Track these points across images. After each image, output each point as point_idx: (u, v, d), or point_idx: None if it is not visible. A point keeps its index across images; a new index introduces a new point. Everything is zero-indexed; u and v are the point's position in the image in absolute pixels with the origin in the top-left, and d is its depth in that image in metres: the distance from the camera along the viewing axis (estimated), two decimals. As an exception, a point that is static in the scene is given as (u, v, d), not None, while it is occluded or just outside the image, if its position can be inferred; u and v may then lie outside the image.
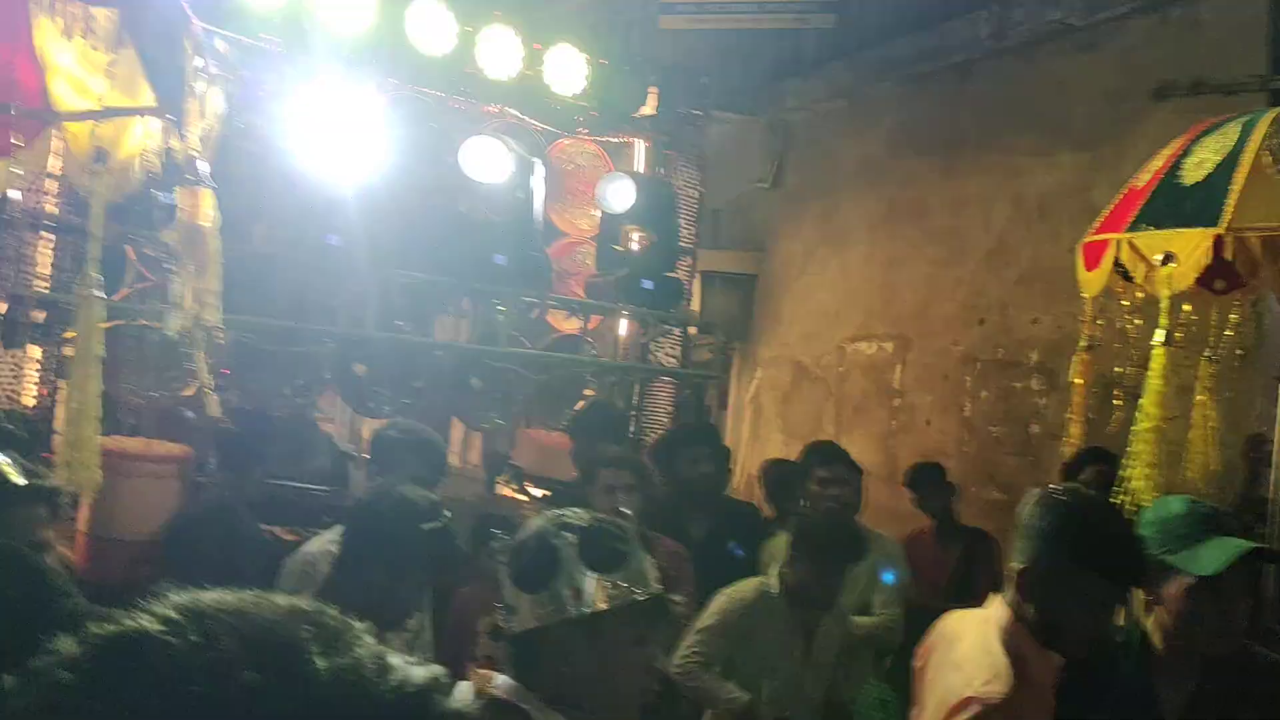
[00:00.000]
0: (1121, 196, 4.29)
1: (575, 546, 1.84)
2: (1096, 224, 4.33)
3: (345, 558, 2.68)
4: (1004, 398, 6.86)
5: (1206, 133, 3.99)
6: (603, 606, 1.80)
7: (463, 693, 1.85)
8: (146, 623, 0.68)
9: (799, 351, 8.33)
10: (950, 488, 6.06)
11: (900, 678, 4.98)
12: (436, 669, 0.73)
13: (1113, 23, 6.42)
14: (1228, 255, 3.64)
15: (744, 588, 4.12)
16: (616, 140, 6.37)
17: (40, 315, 4.30)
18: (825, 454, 5.05)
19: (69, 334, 4.59)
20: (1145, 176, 4.15)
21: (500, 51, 5.59)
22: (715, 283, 8.40)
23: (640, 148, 6.42)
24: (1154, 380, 3.91)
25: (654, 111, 6.22)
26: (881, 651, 4.88)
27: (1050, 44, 6.75)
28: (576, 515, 1.93)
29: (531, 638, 1.85)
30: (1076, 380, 4.49)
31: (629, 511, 4.01)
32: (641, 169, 6.37)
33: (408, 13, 5.30)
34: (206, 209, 3.12)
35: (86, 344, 2.93)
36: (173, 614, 0.69)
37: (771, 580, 4.10)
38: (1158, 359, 3.76)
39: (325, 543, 3.35)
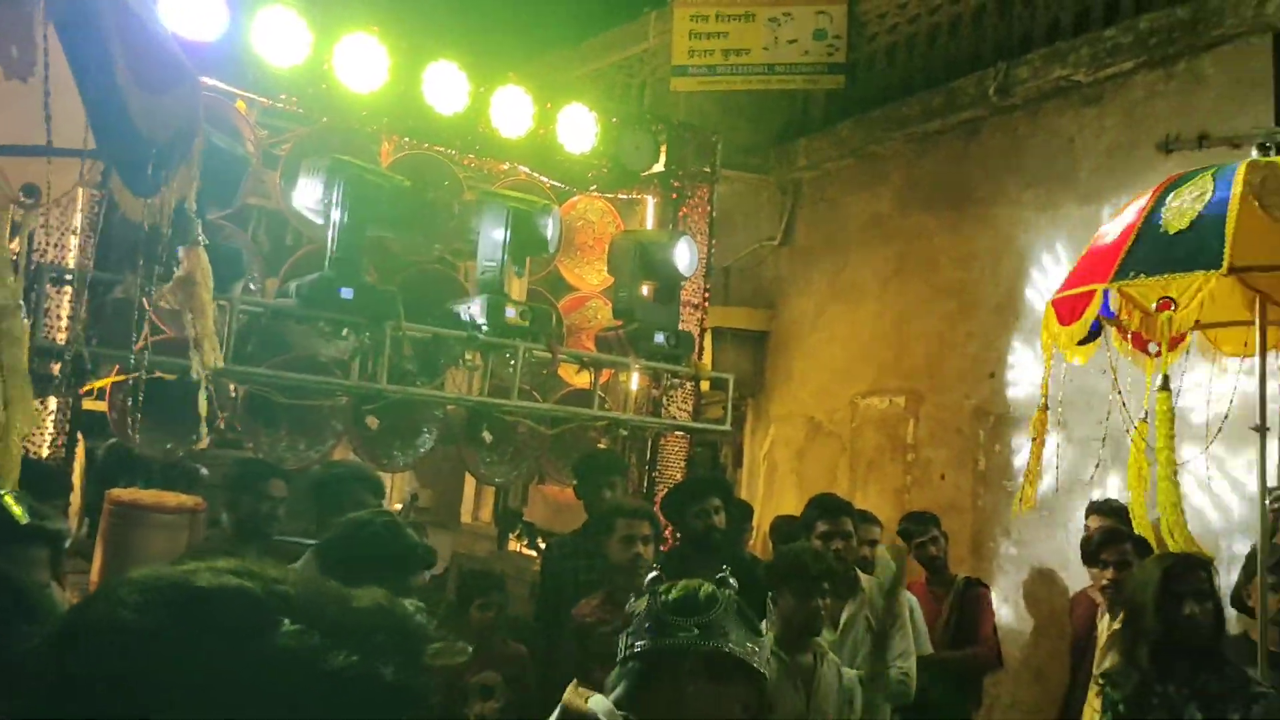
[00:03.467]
0: (1088, 251, 4.36)
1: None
2: (1066, 280, 4.41)
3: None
4: (1017, 451, 6.83)
5: (1175, 185, 4.12)
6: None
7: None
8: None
9: (812, 408, 8.33)
10: (943, 537, 6.03)
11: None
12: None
13: (1118, 78, 6.50)
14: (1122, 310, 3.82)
15: None
16: (626, 197, 6.44)
17: (56, 367, 4.35)
18: (826, 507, 5.02)
19: (86, 387, 4.66)
20: (1116, 230, 4.21)
21: (512, 111, 5.69)
22: (727, 339, 8.44)
23: (651, 205, 6.50)
24: (1163, 426, 3.94)
25: (664, 169, 6.30)
26: (898, 706, 4.83)
27: (1056, 99, 6.84)
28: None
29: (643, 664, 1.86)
30: (1035, 441, 4.52)
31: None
32: (651, 226, 6.44)
33: (424, 74, 5.42)
34: (201, 263, 3.17)
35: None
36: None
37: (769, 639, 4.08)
38: (1162, 403, 3.79)
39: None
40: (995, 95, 7.05)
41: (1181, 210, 3.92)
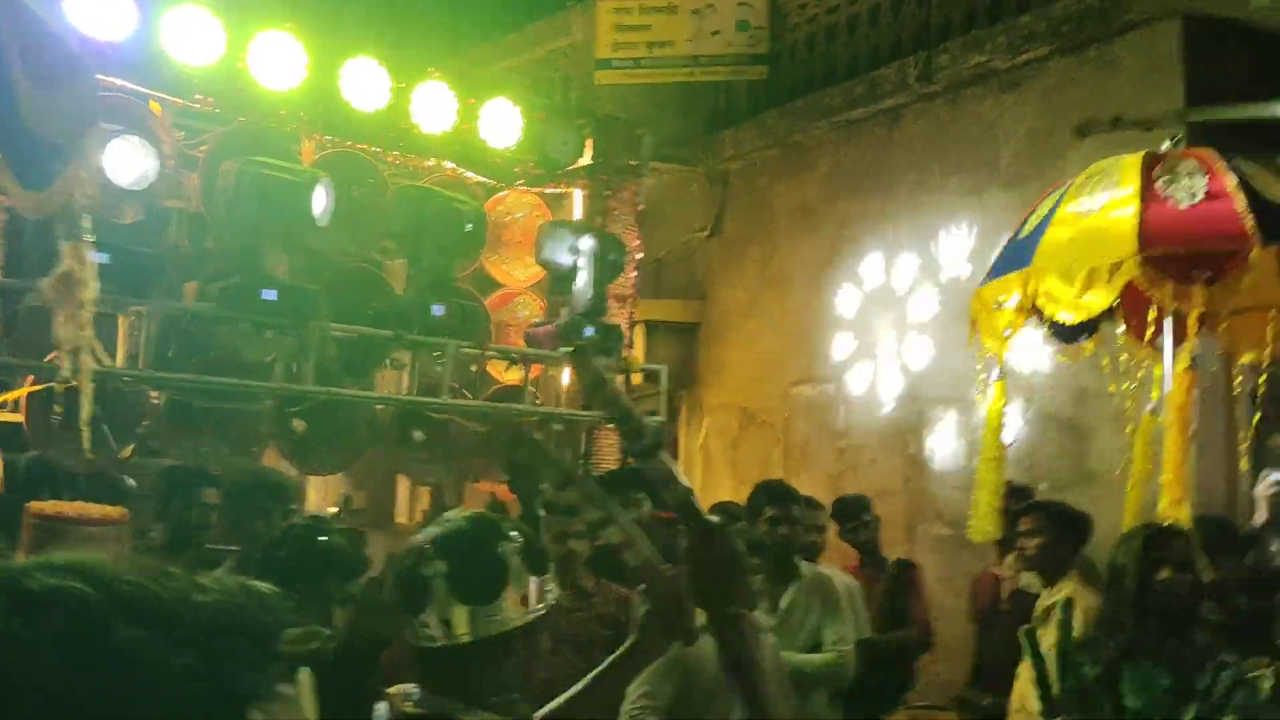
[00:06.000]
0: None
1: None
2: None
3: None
4: (946, 435, 6.93)
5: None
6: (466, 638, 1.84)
7: (380, 714, 1.85)
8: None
9: (745, 397, 8.38)
10: (874, 520, 6.09)
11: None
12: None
13: (1034, 64, 6.61)
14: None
15: None
16: (554, 191, 6.43)
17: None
18: (773, 493, 5.04)
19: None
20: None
21: (435, 107, 5.64)
22: (659, 332, 8.45)
23: (578, 198, 6.49)
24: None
25: (590, 162, 6.29)
26: (835, 689, 4.88)
27: (976, 86, 6.93)
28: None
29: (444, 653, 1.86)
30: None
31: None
32: (579, 219, 6.44)
33: (343, 71, 5.35)
34: (83, 261, 3.10)
35: None
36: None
37: (701, 617, 4.09)
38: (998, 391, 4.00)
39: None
40: (917, 83, 7.13)
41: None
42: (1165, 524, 4.04)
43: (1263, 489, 5.54)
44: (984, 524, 4.56)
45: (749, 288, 8.47)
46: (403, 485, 6.61)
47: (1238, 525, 5.38)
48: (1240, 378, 5.40)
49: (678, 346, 8.61)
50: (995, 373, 4.45)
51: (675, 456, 8.89)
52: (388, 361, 5.30)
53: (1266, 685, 3.89)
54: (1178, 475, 4.11)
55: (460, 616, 1.85)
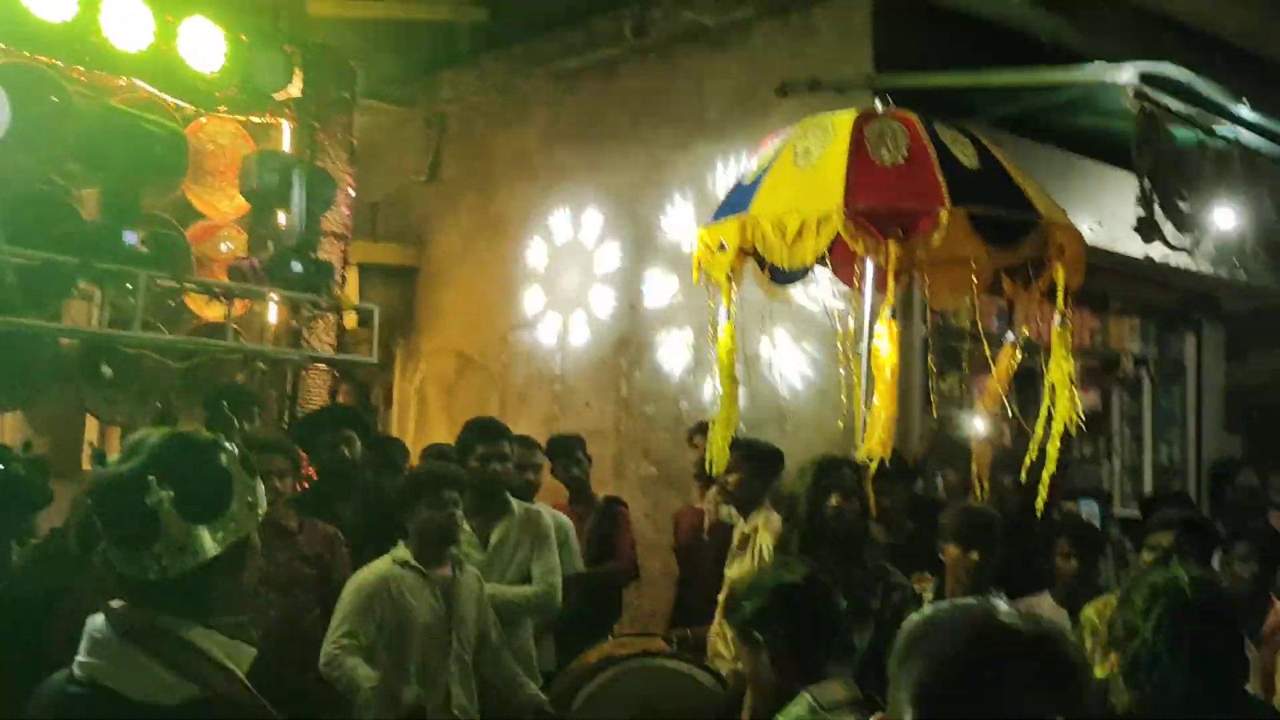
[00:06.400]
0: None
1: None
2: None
3: None
4: (655, 378, 7.21)
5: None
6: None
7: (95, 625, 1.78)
8: None
9: (462, 342, 8.37)
10: (586, 460, 6.26)
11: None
12: None
13: (740, 25, 6.92)
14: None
15: (375, 565, 4.14)
16: (260, 121, 6.16)
17: None
18: (483, 430, 5.08)
19: None
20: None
21: (128, 21, 5.27)
22: (375, 276, 8.29)
23: (287, 130, 6.25)
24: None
25: (300, 93, 6.07)
26: (544, 620, 5.01)
27: (687, 43, 7.18)
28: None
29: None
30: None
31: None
32: (288, 152, 6.20)
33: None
34: None
35: None
36: None
37: (401, 551, 4.13)
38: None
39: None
40: (632, 35, 7.30)
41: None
42: (836, 456, 4.38)
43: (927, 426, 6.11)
44: (720, 457, 4.70)
45: (466, 233, 8.44)
46: (92, 429, 6.18)
47: (906, 457, 5.88)
48: (924, 326, 5.94)
49: (394, 291, 8.49)
50: (723, 313, 4.53)
51: (390, 402, 8.78)
52: (74, 291, 4.94)
53: (929, 595, 4.33)
54: (886, 417, 4.39)
55: (201, 537, 1.79)
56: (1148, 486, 8.52)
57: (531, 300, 7.95)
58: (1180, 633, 2.45)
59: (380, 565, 4.11)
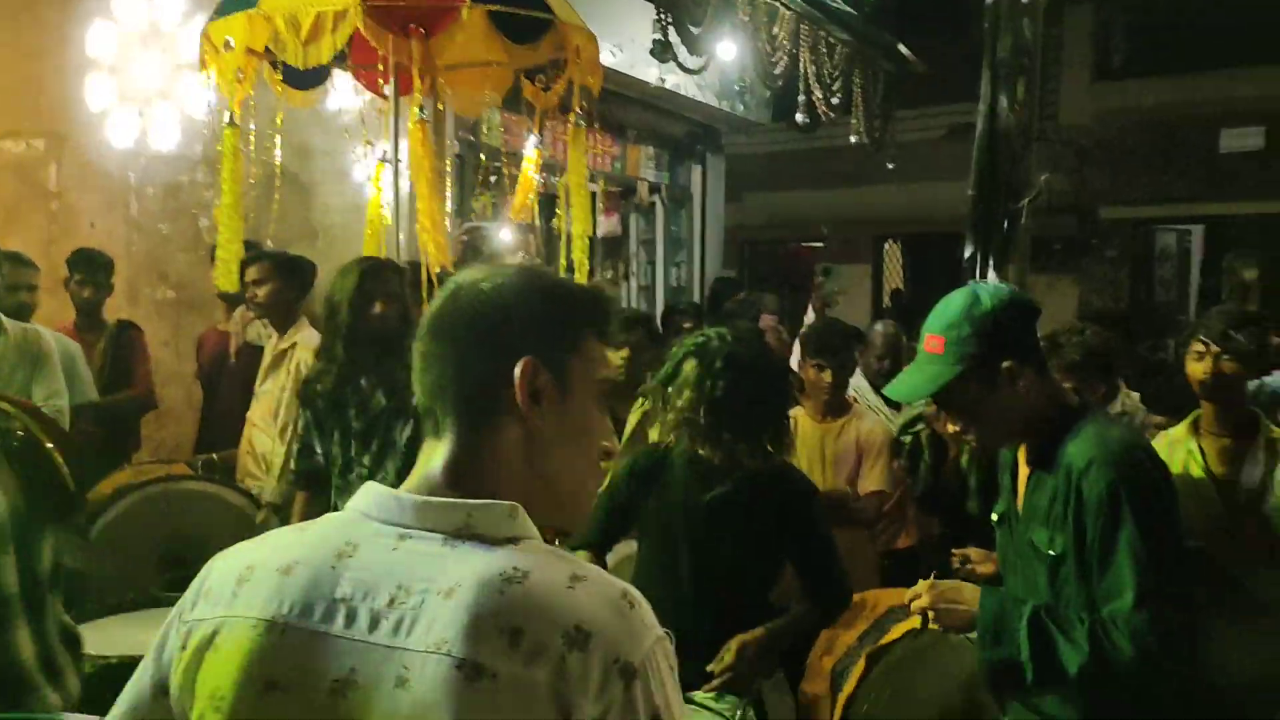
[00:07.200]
0: None
1: None
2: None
3: None
4: (172, 194, 6.71)
5: None
6: None
7: None
8: None
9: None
10: (108, 284, 5.85)
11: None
12: None
13: None
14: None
15: None
16: None
17: None
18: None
19: None
20: None
21: None
22: None
23: None
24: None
25: None
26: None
27: None
28: None
29: None
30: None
31: None
32: None
33: None
34: None
35: None
36: None
37: None
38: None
39: None
40: None
41: None
42: (379, 258, 4.39)
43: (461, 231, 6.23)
44: (228, 274, 4.55)
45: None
46: None
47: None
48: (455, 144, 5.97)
49: None
50: (227, 116, 4.38)
51: None
52: None
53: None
54: (434, 221, 4.40)
55: None
56: (659, 307, 9.33)
57: (23, 108, 7.01)
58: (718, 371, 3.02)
59: None
